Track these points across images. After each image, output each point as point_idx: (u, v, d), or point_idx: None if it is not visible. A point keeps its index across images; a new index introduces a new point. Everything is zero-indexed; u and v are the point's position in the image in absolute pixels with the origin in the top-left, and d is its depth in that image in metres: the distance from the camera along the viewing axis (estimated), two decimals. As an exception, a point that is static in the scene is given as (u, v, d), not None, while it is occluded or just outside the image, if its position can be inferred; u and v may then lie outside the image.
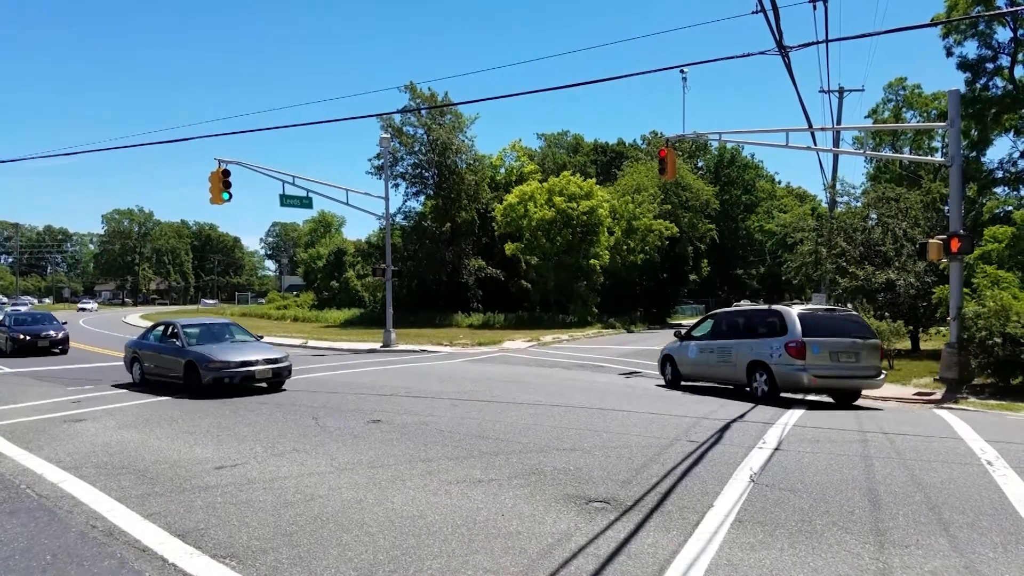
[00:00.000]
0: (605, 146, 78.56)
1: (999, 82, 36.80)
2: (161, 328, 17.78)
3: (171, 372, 16.12)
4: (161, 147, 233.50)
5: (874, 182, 43.26)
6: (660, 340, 32.55)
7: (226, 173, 24.34)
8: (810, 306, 16.52)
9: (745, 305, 20.27)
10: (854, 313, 16.81)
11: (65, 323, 30.07)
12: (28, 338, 26.84)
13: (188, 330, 16.88)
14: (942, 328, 24.32)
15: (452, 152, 52.16)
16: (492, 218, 51.80)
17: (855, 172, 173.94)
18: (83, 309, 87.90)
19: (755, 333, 15.44)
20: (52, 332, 27.75)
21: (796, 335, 14.21)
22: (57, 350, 27.45)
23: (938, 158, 37.97)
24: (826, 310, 16.07)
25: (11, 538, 5.96)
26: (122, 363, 18.48)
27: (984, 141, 39.87)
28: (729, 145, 78.36)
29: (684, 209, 61.36)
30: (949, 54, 37.15)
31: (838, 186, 32.41)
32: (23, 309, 64.07)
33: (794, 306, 15.58)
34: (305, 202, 29.06)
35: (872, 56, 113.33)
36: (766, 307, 16.51)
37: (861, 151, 30.45)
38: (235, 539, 5.89)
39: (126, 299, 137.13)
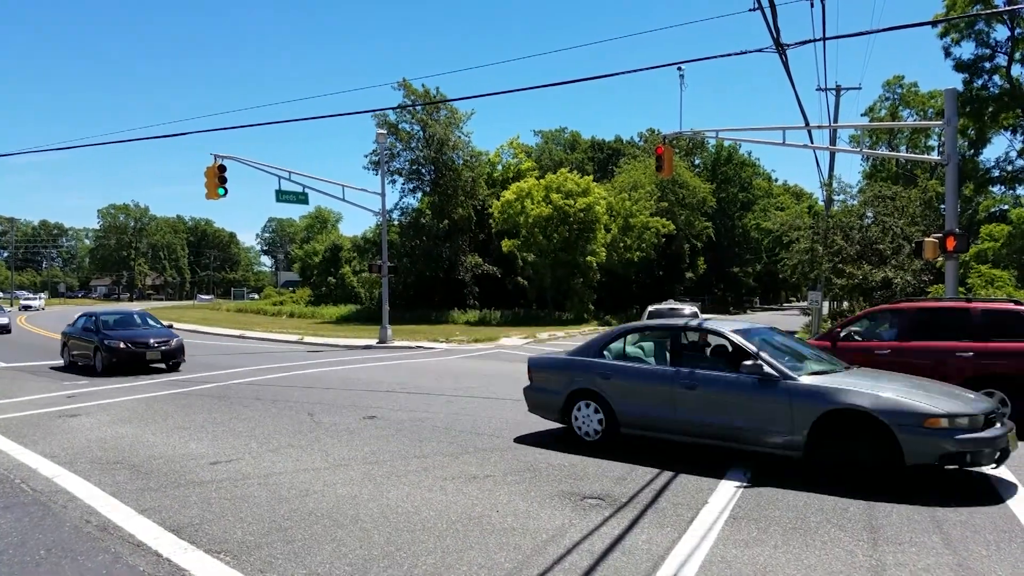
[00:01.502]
0: (602, 143, 78.49)
1: (997, 80, 36.86)
2: (654, 334, 10.01)
3: (759, 432, 7.93)
4: (157, 142, 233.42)
5: (870, 180, 43.31)
6: (656, 337, 32.44)
7: (222, 168, 24.27)
8: (664, 305, 23.26)
9: (670, 303, 25.79)
10: (693, 308, 22.07)
11: (171, 325, 22.53)
12: (132, 348, 18.79)
13: (768, 340, 8.97)
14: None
15: (449, 148, 52.08)
16: (489, 215, 51.74)
17: (851, 170, 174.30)
18: (27, 307, 67.09)
19: None
20: (160, 339, 19.45)
21: None
22: (167, 365, 19.46)
23: (935, 156, 38.05)
24: (670, 309, 21.87)
25: (5, 533, 5.95)
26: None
27: (982, 140, 39.95)
28: (726, 143, 78.30)
29: (681, 207, 61.38)
30: (947, 54, 37.19)
31: (835, 184, 32.43)
32: None
33: (655, 305, 22.53)
34: (301, 198, 28.99)
35: (869, 54, 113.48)
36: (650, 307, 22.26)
37: (858, 149, 30.53)
38: (230, 534, 5.89)
39: (121, 295, 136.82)
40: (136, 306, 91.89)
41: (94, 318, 20.37)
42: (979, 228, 31.23)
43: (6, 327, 37.17)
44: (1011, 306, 11.64)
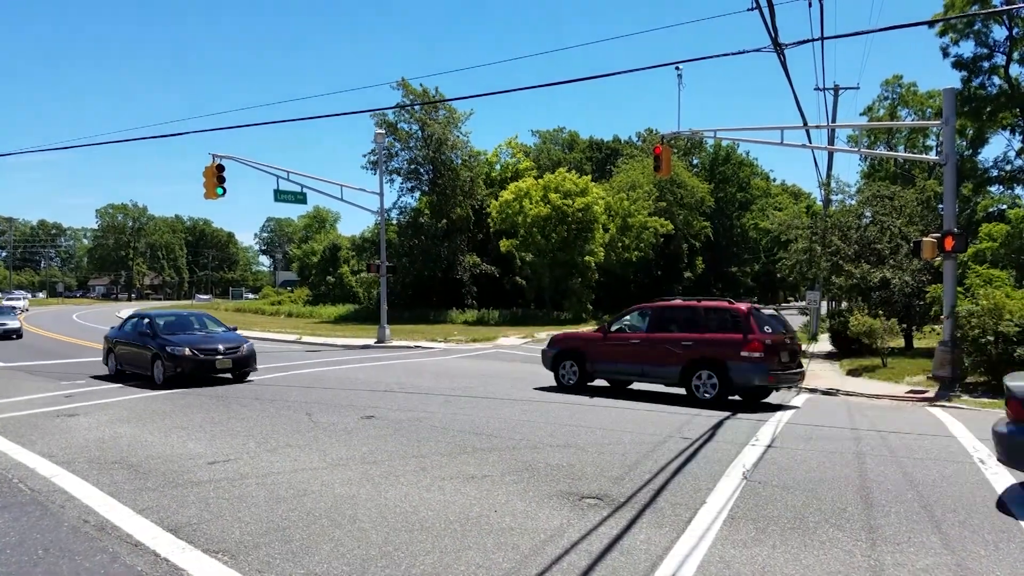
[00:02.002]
0: (600, 143, 78.49)
1: (996, 80, 36.88)
2: None
3: None
4: (155, 142, 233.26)
5: (868, 180, 43.32)
6: (655, 337, 32.51)
7: (220, 168, 24.25)
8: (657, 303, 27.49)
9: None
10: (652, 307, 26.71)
11: (235, 328, 19.38)
12: (201, 356, 16.02)
13: None
14: (936, 326, 24.38)
15: (447, 148, 52.08)
16: (487, 214, 51.75)
17: (850, 170, 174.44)
18: (12, 308, 44.18)
19: None
20: (230, 346, 16.75)
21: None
22: (235, 376, 16.89)
23: (933, 156, 38.07)
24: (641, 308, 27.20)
25: (3, 532, 5.94)
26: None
27: (980, 139, 39.97)
28: (724, 142, 78.37)
29: (679, 206, 61.41)
30: (945, 54, 37.16)
31: (833, 184, 32.44)
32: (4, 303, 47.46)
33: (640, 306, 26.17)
34: (299, 197, 28.97)
35: (867, 54, 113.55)
36: None
37: (856, 149, 30.50)
38: (228, 534, 5.88)
39: (120, 294, 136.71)
40: (135, 305, 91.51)
41: (148, 320, 17.71)
42: (977, 228, 31.19)
43: (17, 331, 32.86)
44: (725, 304, 14.34)
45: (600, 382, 16.10)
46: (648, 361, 14.53)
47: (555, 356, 16.14)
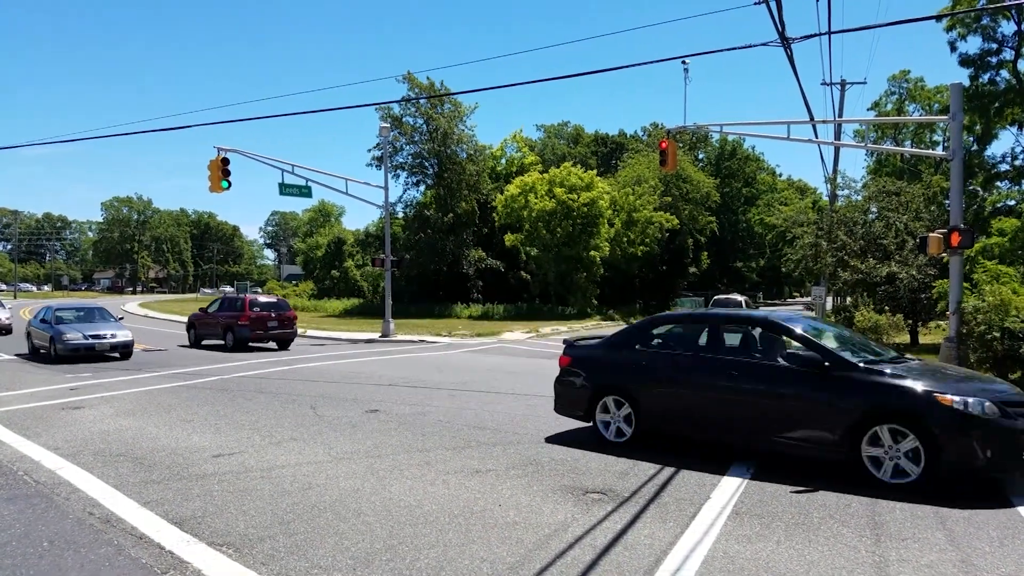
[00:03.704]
0: (606, 137, 78.20)
1: (1004, 75, 36.62)
2: None
3: None
4: (160, 135, 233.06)
5: (874, 175, 43.18)
6: (659, 332, 32.49)
7: (225, 161, 24.24)
8: (722, 296, 31.40)
9: (732, 295, 34.03)
10: (744, 298, 30.26)
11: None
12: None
13: None
14: (941, 322, 24.30)
15: (453, 142, 51.99)
16: (492, 209, 51.69)
17: (856, 165, 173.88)
18: (103, 310, 28.90)
19: None
20: None
21: None
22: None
23: (939, 152, 37.88)
24: (726, 299, 31.21)
25: (8, 524, 5.96)
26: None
27: (988, 135, 39.69)
28: (730, 137, 78.01)
29: (684, 201, 61.21)
30: (953, 49, 36.87)
31: (839, 179, 32.32)
32: None
33: (719, 295, 30.94)
34: (304, 191, 28.97)
35: (875, 49, 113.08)
36: None
37: (862, 144, 30.37)
38: (232, 527, 5.90)
39: (125, 287, 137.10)
40: (139, 299, 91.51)
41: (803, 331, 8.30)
42: (985, 223, 31.01)
43: (126, 346, 20.72)
44: (244, 296, 25.00)
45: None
46: (215, 328, 24.53)
47: (187, 326, 26.79)
